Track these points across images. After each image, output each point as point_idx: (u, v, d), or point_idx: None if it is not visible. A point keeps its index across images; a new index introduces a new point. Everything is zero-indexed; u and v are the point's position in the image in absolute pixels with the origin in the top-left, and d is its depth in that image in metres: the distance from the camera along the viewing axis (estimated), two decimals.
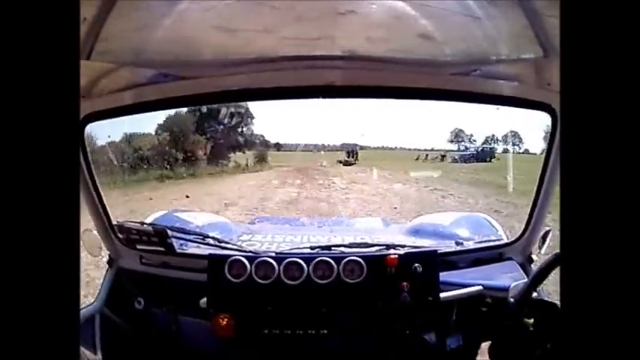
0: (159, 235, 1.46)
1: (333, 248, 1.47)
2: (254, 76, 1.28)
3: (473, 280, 1.39)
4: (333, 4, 0.94)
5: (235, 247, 1.49)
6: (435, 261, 1.37)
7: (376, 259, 1.36)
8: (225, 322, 1.32)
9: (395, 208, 6.09)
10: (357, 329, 1.37)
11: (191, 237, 1.55)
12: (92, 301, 1.52)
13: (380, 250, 1.45)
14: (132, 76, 1.29)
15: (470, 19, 0.97)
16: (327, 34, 1.09)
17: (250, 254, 1.40)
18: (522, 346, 1.22)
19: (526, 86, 1.29)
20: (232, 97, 1.80)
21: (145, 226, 1.53)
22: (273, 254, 1.41)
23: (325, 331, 1.35)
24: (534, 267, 1.50)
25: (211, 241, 1.52)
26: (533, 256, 1.51)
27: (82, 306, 1.46)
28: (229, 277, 1.33)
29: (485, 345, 1.40)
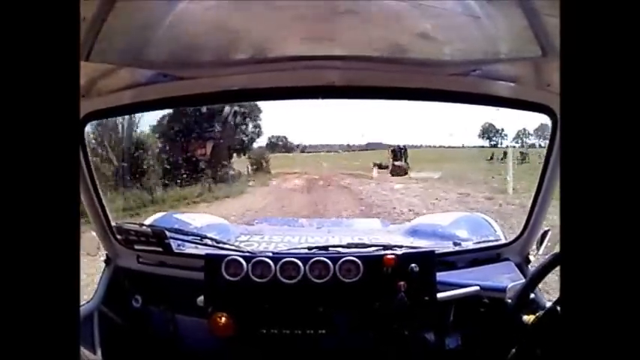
0: (157, 236, 1.47)
1: (330, 248, 1.47)
2: (253, 76, 1.28)
3: (470, 280, 1.39)
4: (332, 4, 0.94)
5: (233, 247, 1.49)
6: (432, 261, 1.37)
7: (373, 259, 1.36)
8: (222, 321, 1.32)
9: None
10: (354, 329, 1.37)
11: (189, 238, 1.55)
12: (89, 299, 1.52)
13: (377, 250, 1.46)
14: (131, 75, 1.29)
15: (469, 19, 0.97)
16: (327, 34, 1.09)
17: (247, 254, 1.41)
18: (520, 346, 1.22)
19: (526, 87, 1.29)
20: (232, 97, 1.81)
21: (143, 227, 1.54)
22: (270, 254, 1.41)
23: (323, 331, 1.35)
24: (532, 267, 1.50)
25: (209, 242, 1.53)
26: (531, 257, 1.52)
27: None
28: (226, 276, 1.34)
29: (483, 345, 1.40)
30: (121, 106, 1.39)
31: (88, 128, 1.43)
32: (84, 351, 1.38)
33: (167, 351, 1.53)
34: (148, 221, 1.77)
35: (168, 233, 1.49)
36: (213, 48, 1.17)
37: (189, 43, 1.12)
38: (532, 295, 1.25)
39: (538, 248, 1.47)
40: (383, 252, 1.42)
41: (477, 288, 1.36)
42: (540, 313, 1.19)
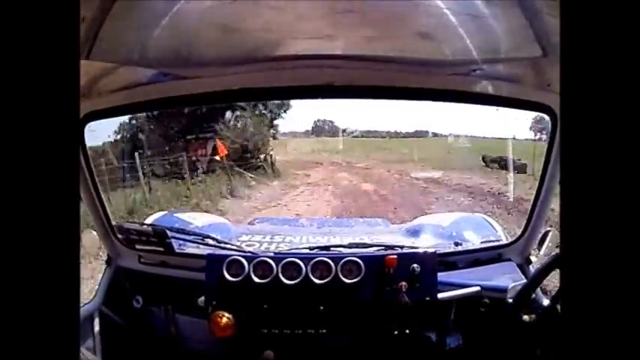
0: (158, 235, 1.47)
1: (331, 249, 1.47)
2: (253, 75, 1.28)
3: (471, 280, 1.39)
4: (332, 4, 0.94)
5: (234, 247, 1.49)
6: (434, 261, 1.37)
7: (374, 260, 1.36)
8: (223, 321, 1.32)
9: None
10: (356, 329, 1.37)
11: (190, 237, 1.55)
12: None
13: (378, 250, 1.46)
14: (132, 75, 1.29)
15: (469, 18, 0.97)
16: (327, 34, 1.09)
17: (248, 254, 1.40)
18: (521, 346, 1.22)
19: (526, 87, 1.29)
20: (232, 97, 1.80)
21: (144, 226, 1.54)
22: (272, 254, 1.41)
23: (324, 331, 1.35)
24: (533, 268, 1.50)
25: (210, 242, 1.53)
26: (532, 258, 1.51)
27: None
28: (227, 276, 1.34)
29: (484, 345, 1.40)
30: (121, 105, 1.39)
31: None
32: (84, 351, 1.38)
33: (168, 351, 1.53)
34: (149, 220, 1.77)
35: (169, 233, 1.49)
36: (213, 47, 1.16)
37: (190, 42, 1.12)
38: (533, 295, 1.25)
39: (539, 249, 1.46)
40: (384, 252, 1.42)
41: (478, 288, 1.36)
42: (540, 313, 1.19)
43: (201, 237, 1.55)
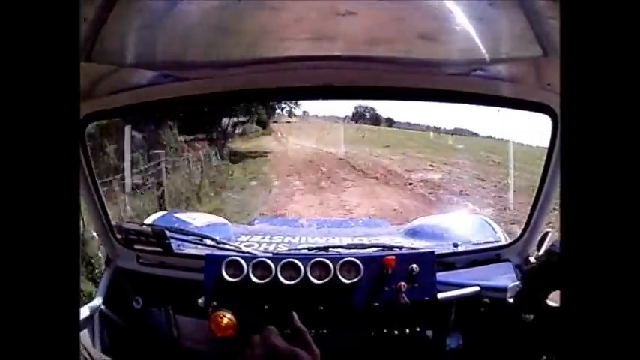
0: (157, 236, 1.47)
1: (330, 249, 1.48)
2: (254, 76, 1.29)
3: (470, 280, 1.39)
4: (332, 5, 0.94)
5: (233, 247, 1.49)
6: (432, 262, 1.37)
7: (373, 260, 1.36)
8: (224, 321, 1.32)
9: None
10: (355, 329, 1.37)
11: (189, 238, 1.55)
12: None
13: (377, 250, 1.46)
14: (132, 76, 1.29)
15: (470, 19, 0.97)
16: (327, 35, 1.09)
17: (247, 254, 1.41)
18: (521, 346, 1.22)
19: (526, 87, 1.29)
20: (232, 98, 1.81)
21: (143, 227, 1.54)
22: (270, 254, 1.41)
23: (324, 331, 1.35)
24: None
25: (209, 242, 1.53)
26: (531, 258, 1.52)
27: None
28: (226, 276, 1.34)
29: (484, 345, 1.40)
30: (122, 107, 1.39)
31: None
32: (84, 351, 1.38)
33: (168, 351, 1.53)
34: (148, 220, 1.77)
35: (168, 233, 1.49)
36: (214, 48, 1.17)
37: (190, 43, 1.12)
38: (532, 295, 1.25)
39: (538, 249, 1.47)
40: (383, 252, 1.42)
41: (478, 288, 1.36)
42: (540, 312, 1.19)
43: (199, 237, 1.55)
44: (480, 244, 1.60)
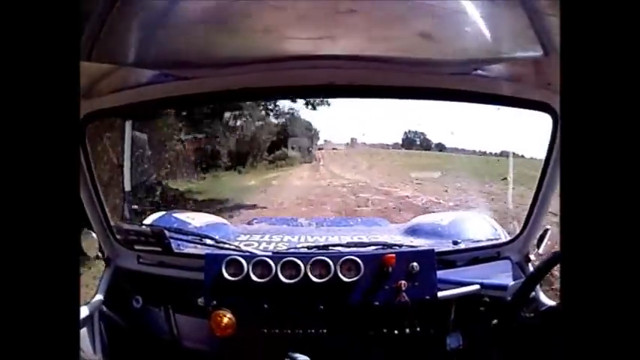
0: (156, 236, 1.47)
1: (330, 248, 1.48)
2: (254, 75, 1.28)
3: (470, 278, 1.39)
4: (333, 4, 0.94)
5: (233, 247, 1.49)
6: (432, 260, 1.37)
7: (373, 258, 1.36)
8: (224, 321, 1.32)
9: None
10: (355, 328, 1.37)
11: (189, 237, 1.55)
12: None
13: (377, 249, 1.46)
14: (133, 75, 1.29)
15: (470, 18, 0.97)
16: (328, 34, 1.09)
17: (247, 254, 1.41)
18: (522, 345, 1.22)
19: (526, 86, 1.29)
20: (233, 97, 1.81)
21: (143, 227, 1.54)
22: (270, 254, 1.41)
23: (324, 331, 1.35)
24: (532, 266, 1.50)
25: (209, 242, 1.53)
26: (531, 256, 1.52)
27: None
28: (226, 275, 1.34)
29: (484, 343, 1.40)
30: (122, 106, 1.39)
31: None
32: (84, 351, 1.38)
33: (168, 351, 1.53)
34: (147, 220, 1.77)
35: (167, 233, 1.49)
36: (214, 47, 1.17)
37: (191, 42, 1.12)
38: (533, 294, 1.25)
39: (538, 247, 1.47)
40: (383, 251, 1.42)
41: (478, 287, 1.36)
42: (541, 311, 1.19)
43: (199, 237, 1.55)
44: (479, 241, 1.60)
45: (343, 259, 1.34)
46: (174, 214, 1.92)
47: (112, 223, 1.54)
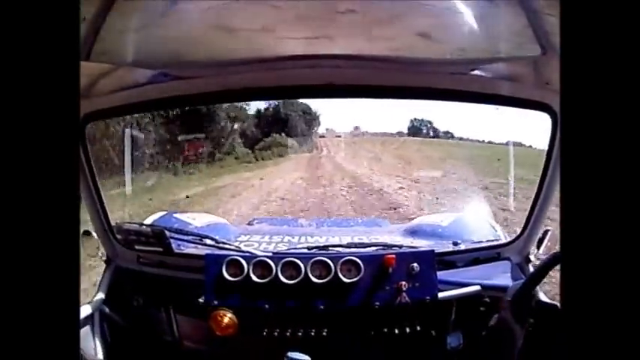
0: (157, 236, 1.47)
1: (330, 248, 1.47)
2: (253, 75, 1.28)
3: (471, 279, 1.39)
4: (332, 4, 0.94)
5: (233, 247, 1.49)
6: (433, 261, 1.37)
7: (373, 259, 1.36)
8: (225, 321, 1.32)
9: None
10: (355, 329, 1.37)
11: (189, 238, 1.55)
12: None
13: (377, 249, 1.46)
14: (132, 76, 1.29)
15: (469, 17, 0.97)
16: (327, 34, 1.09)
17: (247, 254, 1.41)
18: (522, 345, 1.22)
19: (525, 85, 1.29)
20: (232, 97, 1.81)
21: (143, 227, 1.54)
22: (270, 254, 1.41)
23: (325, 330, 1.35)
24: (532, 267, 1.50)
25: (209, 242, 1.53)
26: (531, 257, 1.52)
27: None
28: (227, 276, 1.34)
29: (485, 344, 1.40)
30: (121, 106, 1.39)
31: None
32: (84, 351, 1.38)
33: (168, 351, 1.53)
34: (147, 221, 1.77)
35: (168, 233, 1.49)
36: (213, 47, 1.17)
37: (189, 42, 1.12)
38: (533, 294, 1.25)
39: (538, 248, 1.47)
40: (383, 251, 1.42)
41: (478, 287, 1.36)
42: (541, 312, 1.19)
43: (199, 237, 1.55)
44: (479, 242, 1.60)
45: (343, 259, 1.34)
46: (175, 214, 1.92)
47: (112, 223, 1.54)
